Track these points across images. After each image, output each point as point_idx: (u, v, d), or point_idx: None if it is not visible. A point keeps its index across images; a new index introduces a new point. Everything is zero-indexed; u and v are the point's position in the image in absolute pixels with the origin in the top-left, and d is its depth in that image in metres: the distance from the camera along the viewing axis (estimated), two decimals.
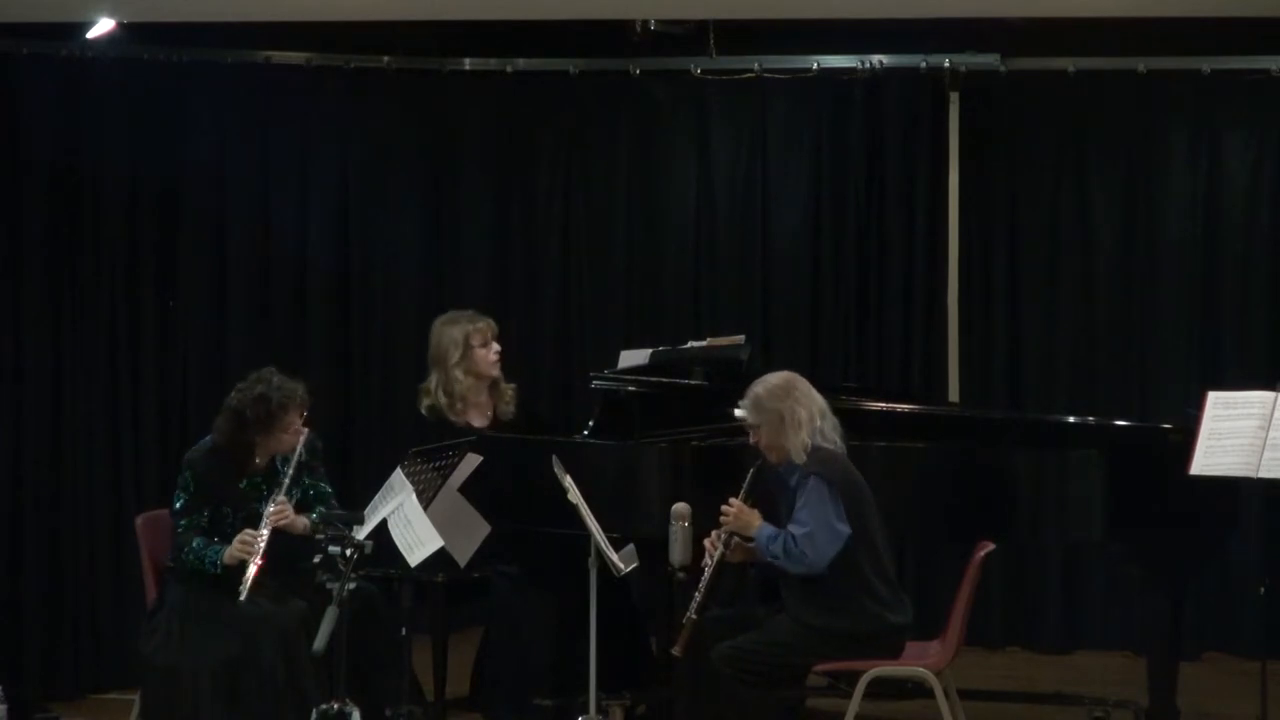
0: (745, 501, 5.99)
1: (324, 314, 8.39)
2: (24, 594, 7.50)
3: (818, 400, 6.01)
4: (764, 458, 6.01)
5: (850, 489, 5.90)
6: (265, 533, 5.99)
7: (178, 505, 6.17)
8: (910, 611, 5.99)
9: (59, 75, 7.56)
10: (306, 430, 6.21)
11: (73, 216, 7.62)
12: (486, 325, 6.93)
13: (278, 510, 6.06)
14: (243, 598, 5.88)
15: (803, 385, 6.02)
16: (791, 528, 5.85)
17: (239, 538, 6.02)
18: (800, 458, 5.91)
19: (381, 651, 6.22)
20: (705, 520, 6.01)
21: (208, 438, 6.27)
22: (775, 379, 6.04)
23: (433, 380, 6.89)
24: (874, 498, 6.00)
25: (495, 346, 6.92)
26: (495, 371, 6.94)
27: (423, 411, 6.90)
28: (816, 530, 5.80)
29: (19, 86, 7.51)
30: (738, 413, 6.04)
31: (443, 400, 6.83)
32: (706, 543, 5.99)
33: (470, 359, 6.86)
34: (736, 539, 5.98)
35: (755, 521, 5.94)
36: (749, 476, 6.03)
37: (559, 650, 6.62)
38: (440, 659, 6.72)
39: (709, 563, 5.96)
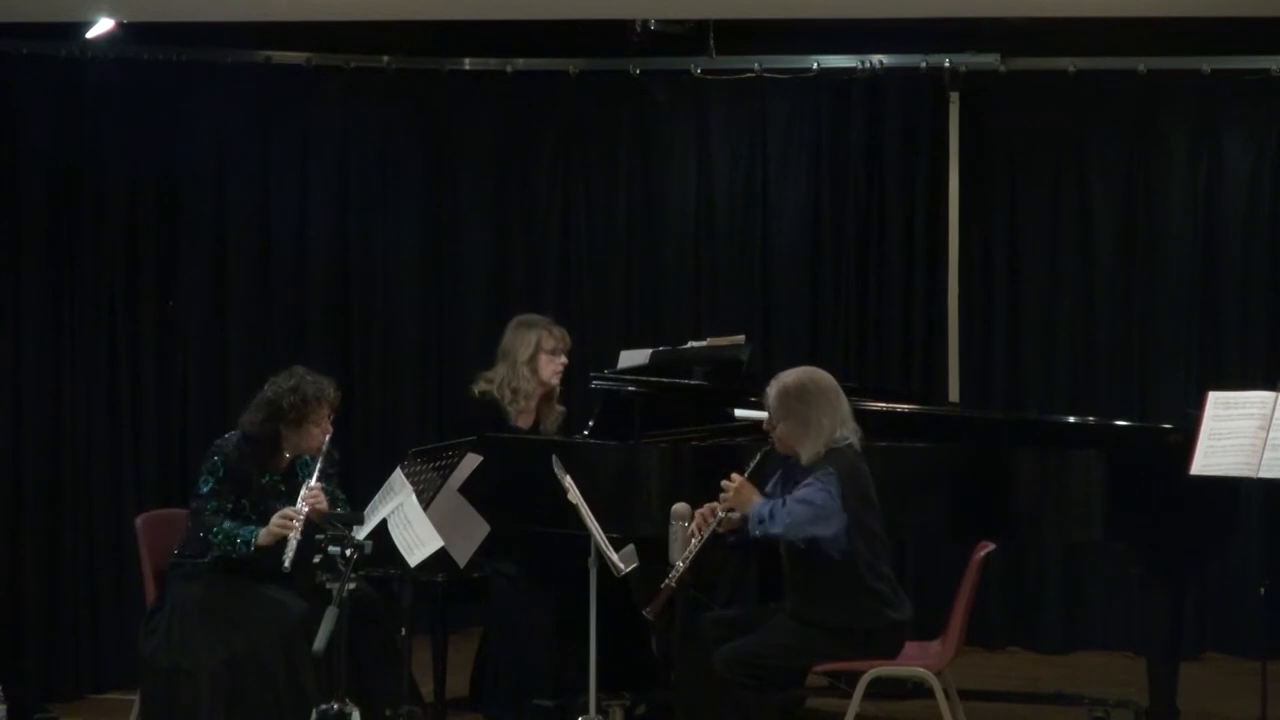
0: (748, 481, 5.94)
1: (324, 314, 8.40)
2: (24, 594, 7.49)
3: (844, 408, 5.93)
4: (772, 445, 5.97)
5: (852, 476, 5.85)
6: (303, 510, 6.00)
7: (205, 489, 6.16)
8: (909, 609, 5.98)
9: (59, 75, 7.56)
10: (329, 436, 6.23)
11: (73, 216, 7.62)
12: (562, 334, 6.97)
13: (313, 493, 6.06)
14: (286, 565, 5.88)
15: (833, 393, 5.93)
16: (788, 498, 5.80)
17: (277, 516, 6.01)
18: (808, 460, 5.87)
19: (380, 652, 6.22)
20: None
21: (235, 431, 6.28)
22: (813, 381, 5.94)
23: (498, 372, 6.92)
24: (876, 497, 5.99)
25: (562, 359, 6.95)
26: (555, 381, 6.96)
27: (475, 394, 6.92)
28: (813, 504, 5.72)
29: (19, 86, 7.51)
30: (765, 400, 5.93)
31: (506, 394, 6.87)
32: (698, 515, 5.92)
33: (537, 361, 6.89)
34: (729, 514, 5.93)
35: (754, 498, 5.88)
36: (757, 457, 5.99)
37: (559, 650, 6.62)
38: (440, 659, 6.72)
39: (697, 535, 5.91)
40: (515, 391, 6.88)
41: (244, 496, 6.18)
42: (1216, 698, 7.27)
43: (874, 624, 5.87)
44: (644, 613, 5.99)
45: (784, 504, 5.78)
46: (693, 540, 5.93)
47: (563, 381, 7.00)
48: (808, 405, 5.88)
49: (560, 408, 7.06)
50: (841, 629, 5.85)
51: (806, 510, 5.73)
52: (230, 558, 6.07)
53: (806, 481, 5.82)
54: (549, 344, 6.92)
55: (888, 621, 5.90)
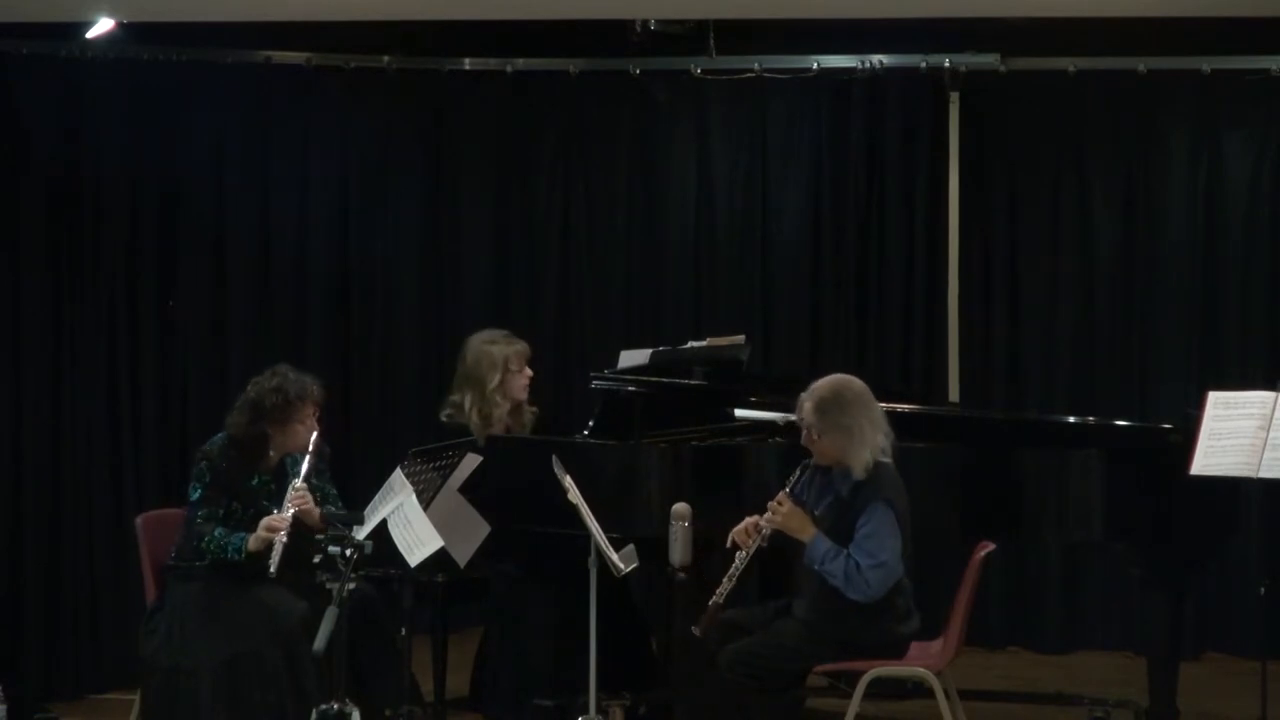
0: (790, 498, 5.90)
1: (324, 314, 8.39)
2: (24, 594, 7.49)
3: (879, 411, 5.90)
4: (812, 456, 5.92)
5: (900, 499, 5.85)
6: (289, 514, 5.99)
7: (195, 496, 6.17)
8: (918, 619, 5.99)
9: (59, 75, 7.56)
10: (317, 432, 6.22)
11: (73, 216, 7.62)
12: (524, 349, 6.96)
13: (298, 495, 6.06)
14: (273, 572, 5.87)
15: (868, 397, 5.89)
16: (859, 556, 5.75)
17: (263, 522, 6.02)
18: (860, 474, 5.83)
19: (380, 652, 6.22)
20: (705, 520, 5.99)
21: (220, 434, 6.28)
22: (847, 388, 5.89)
23: (466, 398, 6.88)
24: None
25: (528, 371, 6.95)
26: (524, 395, 6.97)
27: (442, 419, 6.91)
28: (887, 563, 5.74)
29: (19, 86, 7.51)
30: (800, 415, 5.88)
31: (475, 420, 6.83)
32: (741, 530, 5.88)
33: (508, 383, 6.88)
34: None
35: (808, 528, 5.85)
36: (799, 472, 5.94)
37: (559, 650, 6.61)
38: (440, 659, 6.72)
39: (743, 552, 5.87)
40: (487, 418, 6.85)
41: (235, 500, 6.18)
42: (1216, 698, 7.27)
43: (884, 638, 5.89)
44: (692, 629, 5.94)
45: (857, 567, 5.73)
46: (739, 554, 5.89)
47: (563, 384, 6.99)
48: (847, 414, 5.82)
49: (532, 409, 7.05)
50: (850, 640, 5.86)
51: (882, 574, 5.74)
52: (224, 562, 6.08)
53: (866, 527, 5.75)
54: (515, 364, 6.90)
55: (896, 636, 5.92)
